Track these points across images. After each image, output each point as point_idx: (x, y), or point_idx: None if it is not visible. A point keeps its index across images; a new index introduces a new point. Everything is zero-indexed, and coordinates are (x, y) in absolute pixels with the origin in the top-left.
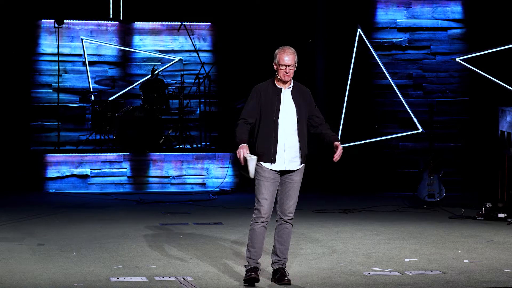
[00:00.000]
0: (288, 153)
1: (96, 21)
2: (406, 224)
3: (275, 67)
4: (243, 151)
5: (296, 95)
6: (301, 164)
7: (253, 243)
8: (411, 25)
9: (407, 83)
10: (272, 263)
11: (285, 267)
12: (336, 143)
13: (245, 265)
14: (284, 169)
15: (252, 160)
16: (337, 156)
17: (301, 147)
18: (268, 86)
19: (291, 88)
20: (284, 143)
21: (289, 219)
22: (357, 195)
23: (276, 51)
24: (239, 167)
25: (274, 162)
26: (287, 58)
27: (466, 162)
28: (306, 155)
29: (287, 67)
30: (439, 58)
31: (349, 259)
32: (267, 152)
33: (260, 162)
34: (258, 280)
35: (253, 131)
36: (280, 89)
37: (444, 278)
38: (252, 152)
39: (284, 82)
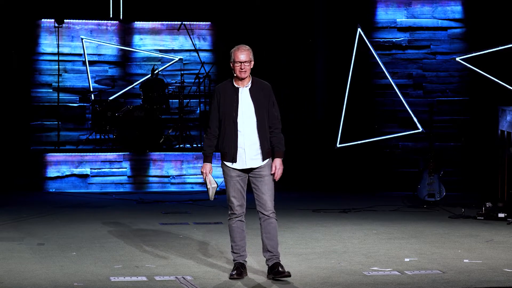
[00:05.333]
0: (249, 151)
1: (96, 21)
2: (406, 224)
3: (231, 65)
4: (206, 172)
5: (255, 93)
6: (264, 160)
7: (233, 238)
8: (411, 25)
9: (407, 83)
10: (267, 260)
11: (280, 260)
12: (275, 162)
13: (233, 260)
14: (245, 167)
15: (212, 189)
16: (276, 177)
17: (262, 145)
18: (227, 86)
19: (249, 86)
20: (244, 142)
21: (271, 214)
22: (357, 195)
23: (231, 50)
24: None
25: (235, 161)
26: (242, 55)
27: (466, 162)
28: (270, 150)
29: (242, 63)
30: (439, 58)
31: (349, 258)
32: (229, 152)
33: (224, 162)
34: (241, 277)
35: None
36: (238, 88)
37: (444, 278)
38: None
39: (242, 79)
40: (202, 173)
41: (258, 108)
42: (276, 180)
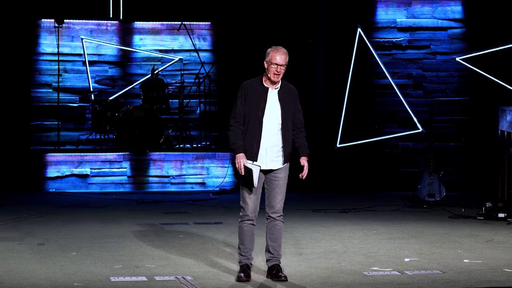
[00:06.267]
0: (270, 152)
1: (96, 21)
2: (406, 224)
3: (266, 65)
4: (243, 160)
5: (282, 95)
6: (284, 163)
7: (242, 241)
8: (411, 25)
9: (407, 83)
10: (267, 260)
11: (280, 263)
12: (303, 160)
13: (238, 262)
14: (265, 168)
15: (256, 170)
16: (303, 174)
17: (284, 147)
18: (255, 84)
19: (279, 89)
20: (266, 142)
21: (278, 216)
22: (357, 195)
23: (269, 49)
24: (236, 175)
25: (256, 161)
26: (279, 57)
27: (466, 162)
28: (290, 153)
29: (279, 66)
30: (439, 58)
31: (349, 258)
32: (250, 150)
33: None
34: (249, 279)
35: None
36: (267, 89)
37: (444, 278)
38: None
39: (273, 82)
40: (237, 163)
41: (284, 111)
42: (303, 178)
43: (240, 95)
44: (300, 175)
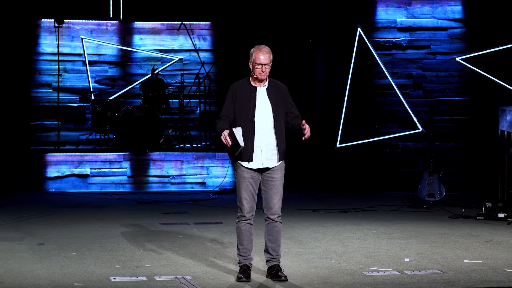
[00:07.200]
0: (265, 151)
1: (96, 21)
2: (406, 224)
3: (250, 66)
4: (227, 131)
5: (272, 93)
6: (279, 161)
7: (241, 241)
8: (411, 25)
9: (407, 83)
10: (266, 261)
11: (280, 263)
12: (303, 122)
13: (238, 262)
14: (261, 167)
15: (238, 130)
16: (306, 133)
17: (278, 145)
18: (244, 85)
19: (267, 86)
20: (260, 141)
21: (277, 218)
22: (357, 195)
23: (252, 50)
24: (227, 151)
25: (252, 160)
26: (262, 57)
27: (466, 162)
28: (285, 151)
29: (263, 66)
30: (439, 58)
31: (349, 258)
32: (245, 150)
33: (238, 162)
34: (249, 280)
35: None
36: (256, 88)
37: (444, 278)
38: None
39: (260, 81)
40: (222, 138)
41: (275, 108)
42: (306, 136)
43: (229, 96)
44: (303, 138)
